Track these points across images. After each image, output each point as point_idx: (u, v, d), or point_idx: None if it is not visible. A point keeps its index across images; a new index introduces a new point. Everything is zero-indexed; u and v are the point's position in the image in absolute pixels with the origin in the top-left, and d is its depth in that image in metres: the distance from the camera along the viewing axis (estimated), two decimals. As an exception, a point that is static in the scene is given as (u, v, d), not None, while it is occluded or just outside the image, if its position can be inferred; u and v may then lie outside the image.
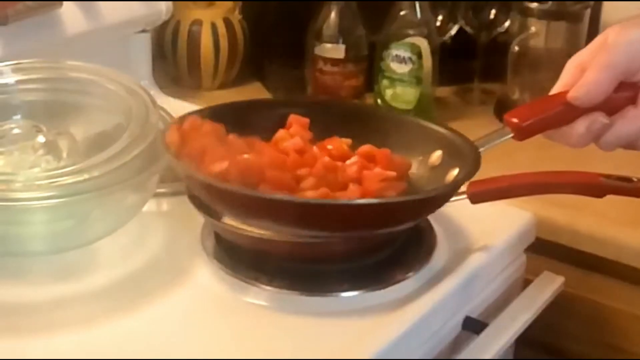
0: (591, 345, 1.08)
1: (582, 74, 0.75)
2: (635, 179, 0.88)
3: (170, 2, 1.21)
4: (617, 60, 0.73)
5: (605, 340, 1.08)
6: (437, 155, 0.85)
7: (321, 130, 0.90)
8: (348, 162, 0.86)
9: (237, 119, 0.88)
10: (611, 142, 0.76)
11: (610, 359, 1.08)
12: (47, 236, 0.88)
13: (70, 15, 1.08)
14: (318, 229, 0.79)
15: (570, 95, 0.75)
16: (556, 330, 1.08)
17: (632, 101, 0.75)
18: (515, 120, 0.78)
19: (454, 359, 0.89)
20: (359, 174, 0.84)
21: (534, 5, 1.26)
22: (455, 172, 0.82)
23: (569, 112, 0.76)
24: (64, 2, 1.05)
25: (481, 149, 0.82)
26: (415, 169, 0.87)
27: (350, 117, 0.93)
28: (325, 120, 0.91)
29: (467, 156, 0.82)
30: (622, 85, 0.75)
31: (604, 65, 0.73)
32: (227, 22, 1.35)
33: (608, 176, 0.88)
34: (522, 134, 0.78)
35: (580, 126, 0.75)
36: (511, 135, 0.79)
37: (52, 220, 0.88)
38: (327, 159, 0.85)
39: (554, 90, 0.78)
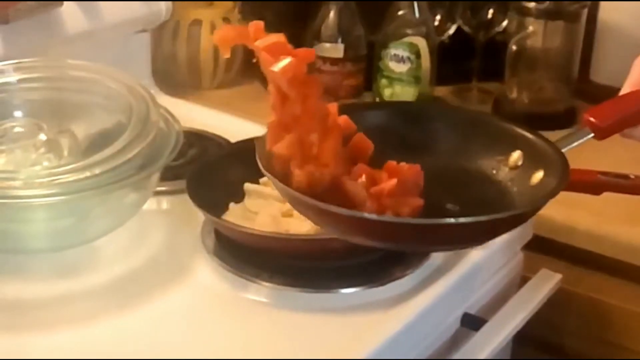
0: (589, 342, 1.09)
1: None
2: (632, 176, 0.89)
3: (170, 2, 1.22)
4: None
5: (603, 337, 1.08)
6: (517, 156, 0.82)
7: (391, 134, 0.85)
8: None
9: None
10: None
11: (608, 358, 1.09)
12: (48, 234, 0.88)
13: (71, 15, 1.08)
14: (429, 245, 0.79)
15: None
16: (554, 327, 1.09)
17: None
18: (594, 120, 0.78)
19: (452, 359, 0.89)
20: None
21: (532, 4, 1.26)
22: (540, 174, 0.79)
23: None
24: (64, 2, 1.05)
25: (563, 150, 0.80)
26: (495, 169, 0.83)
27: (420, 118, 0.88)
28: (396, 124, 0.86)
29: (551, 158, 0.79)
30: None
31: None
32: (227, 22, 1.35)
33: (605, 173, 0.89)
34: (602, 133, 0.79)
35: None
36: (592, 135, 0.79)
37: (53, 218, 0.88)
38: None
39: (624, 89, 0.80)
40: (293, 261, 0.88)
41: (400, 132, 0.84)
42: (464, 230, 0.72)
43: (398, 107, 0.97)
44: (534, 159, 0.80)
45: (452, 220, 0.71)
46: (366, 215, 0.72)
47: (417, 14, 1.25)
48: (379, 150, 0.80)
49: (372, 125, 0.83)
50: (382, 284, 0.87)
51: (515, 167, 0.82)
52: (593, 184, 0.89)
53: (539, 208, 0.77)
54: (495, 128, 0.86)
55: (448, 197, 0.79)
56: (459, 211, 0.77)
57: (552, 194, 0.76)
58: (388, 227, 0.72)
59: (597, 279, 1.07)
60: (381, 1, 1.27)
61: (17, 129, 0.90)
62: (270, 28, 1.41)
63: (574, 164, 0.89)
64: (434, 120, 0.86)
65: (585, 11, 1.28)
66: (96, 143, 0.92)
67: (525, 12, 1.27)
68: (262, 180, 0.98)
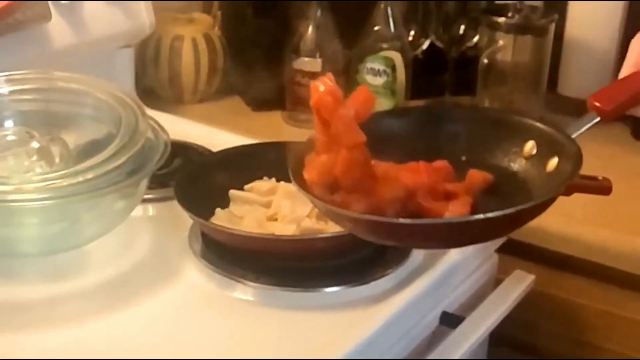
0: (562, 341, 1.13)
1: None
2: (600, 178, 0.94)
3: (153, 18, 1.25)
4: None
5: (576, 337, 1.12)
6: (530, 145, 0.85)
7: (399, 133, 0.88)
8: None
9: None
10: None
11: (581, 356, 1.13)
12: (40, 238, 0.91)
13: (58, 29, 1.11)
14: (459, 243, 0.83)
15: None
16: (528, 327, 1.13)
17: None
18: (599, 104, 0.81)
19: (431, 359, 0.93)
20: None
21: (502, 19, 1.31)
22: (555, 160, 0.83)
23: None
24: (53, 17, 1.08)
25: (573, 136, 0.83)
26: (511, 161, 0.86)
27: (428, 120, 0.91)
28: (402, 125, 0.89)
29: (563, 144, 0.82)
30: None
31: None
32: (207, 38, 1.39)
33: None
34: (608, 115, 0.82)
35: None
36: (598, 119, 0.82)
37: (45, 223, 0.91)
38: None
39: (623, 72, 0.83)
40: (278, 262, 0.91)
41: (419, 135, 0.88)
42: (492, 223, 0.74)
43: (415, 112, 1.02)
44: (547, 147, 0.83)
45: (480, 216, 0.74)
46: (401, 220, 0.75)
47: (392, 29, 1.29)
48: (405, 154, 0.84)
49: (393, 131, 0.87)
50: (364, 283, 0.90)
51: (530, 157, 0.85)
52: (564, 185, 0.93)
53: (559, 193, 0.79)
54: (507, 122, 0.89)
55: None
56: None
57: (571, 176, 0.79)
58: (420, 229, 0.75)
59: (568, 280, 1.11)
60: (357, 17, 1.32)
61: (9, 137, 0.93)
62: (248, 43, 1.46)
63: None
64: (451, 121, 0.89)
65: (553, 26, 1.34)
66: (86, 153, 0.94)
67: (496, 27, 1.32)
68: (246, 187, 1.01)
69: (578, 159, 0.80)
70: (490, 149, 0.86)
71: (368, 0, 1.30)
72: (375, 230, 0.78)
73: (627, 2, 1.35)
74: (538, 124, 0.86)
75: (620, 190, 0.97)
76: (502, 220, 0.74)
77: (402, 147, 0.85)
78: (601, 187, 0.93)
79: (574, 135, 0.82)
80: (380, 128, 0.84)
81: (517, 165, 0.86)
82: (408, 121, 0.90)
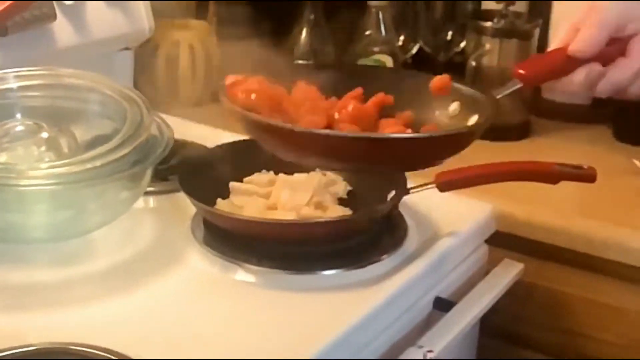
0: (550, 331, 1.16)
1: (577, 32, 0.87)
2: (585, 167, 0.98)
3: (152, 22, 1.29)
4: (609, 18, 0.86)
5: (564, 326, 1.16)
6: (454, 106, 0.91)
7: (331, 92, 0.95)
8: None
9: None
10: (605, 90, 0.88)
11: (569, 345, 1.16)
12: (48, 225, 0.94)
13: (63, 29, 1.15)
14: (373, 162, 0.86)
15: (571, 49, 0.87)
16: (516, 318, 1.17)
17: (622, 53, 0.87)
18: (522, 72, 0.88)
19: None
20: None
21: (488, 24, 1.37)
22: (475, 117, 0.89)
23: (569, 64, 0.87)
24: (58, 16, 1.12)
25: (498, 97, 0.90)
26: (436, 121, 0.92)
27: (360, 78, 0.97)
28: (334, 83, 0.95)
29: (484, 103, 0.89)
30: (612, 40, 0.87)
31: (597, 22, 0.86)
32: (204, 43, 1.43)
33: (561, 164, 0.98)
34: (529, 83, 0.89)
35: (580, 75, 0.87)
36: (520, 84, 0.89)
37: (53, 210, 0.94)
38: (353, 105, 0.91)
39: (551, 46, 0.90)
40: (279, 247, 0.95)
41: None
42: (410, 145, 0.82)
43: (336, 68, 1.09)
44: (469, 107, 0.90)
45: (398, 135, 0.83)
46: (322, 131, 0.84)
47: (383, 33, 1.34)
48: None
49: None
50: (360, 267, 0.94)
51: (454, 116, 0.92)
52: (550, 173, 0.98)
53: (470, 132, 0.87)
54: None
55: None
56: None
57: (485, 123, 0.86)
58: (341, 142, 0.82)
59: (555, 270, 1.15)
60: (350, 22, 1.37)
61: (18, 128, 0.96)
62: (245, 47, 1.50)
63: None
64: (370, 80, 0.96)
65: (538, 30, 1.39)
66: (93, 147, 0.96)
67: (482, 31, 1.37)
68: (246, 179, 1.05)
69: (493, 112, 0.87)
70: (418, 108, 0.93)
71: (360, 0, 1.34)
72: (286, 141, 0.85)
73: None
74: (462, 87, 0.94)
75: (604, 185, 1.03)
76: (418, 143, 0.83)
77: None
78: (586, 175, 0.99)
79: (498, 97, 0.89)
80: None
81: (441, 123, 0.93)
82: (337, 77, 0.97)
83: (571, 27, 0.88)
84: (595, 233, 1.11)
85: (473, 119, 0.89)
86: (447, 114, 0.92)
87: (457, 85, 0.94)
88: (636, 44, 0.86)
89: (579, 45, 0.86)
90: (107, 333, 0.82)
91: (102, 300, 0.89)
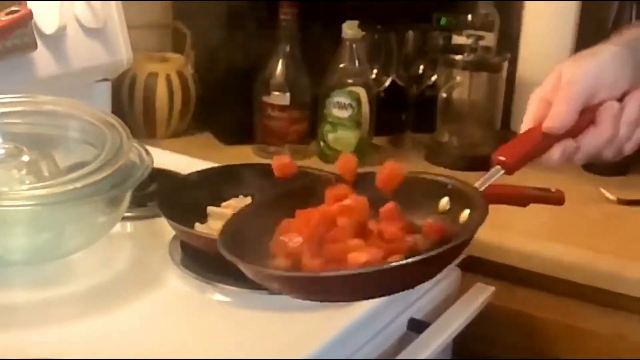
0: (521, 353, 1.18)
1: (548, 107, 0.88)
2: (553, 190, 1.01)
3: (131, 53, 1.32)
4: (579, 92, 0.87)
5: (534, 348, 1.18)
6: (445, 202, 0.88)
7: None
8: None
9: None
10: (582, 159, 0.90)
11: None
12: (27, 247, 0.95)
13: (43, 59, 1.17)
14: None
15: (546, 126, 0.87)
16: (488, 341, 1.18)
17: (592, 122, 0.88)
18: (503, 158, 0.87)
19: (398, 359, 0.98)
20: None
21: (458, 57, 1.41)
22: (467, 212, 0.86)
23: (545, 142, 0.88)
24: (39, 46, 1.15)
25: (481, 189, 0.87)
26: (428, 217, 0.87)
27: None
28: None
29: (473, 197, 0.86)
30: (582, 111, 0.87)
31: (569, 98, 0.87)
32: (181, 75, 1.46)
33: (530, 188, 1.01)
34: (511, 169, 0.87)
35: (556, 153, 0.88)
36: (503, 172, 0.87)
37: (32, 233, 0.95)
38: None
39: (525, 124, 0.90)
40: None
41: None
42: (411, 269, 0.77)
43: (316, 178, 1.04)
44: (459, 201, 0.87)
45: (397, 263, 0.76)
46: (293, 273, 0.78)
47: (357, 65, 1.38)
48: None
49: None
50: (336, 288, 0.95)
51: (444, 212, 0.88)
52: (520, 196, 1.01)
53: (471, 237, 0.83)
54: (420, 182, 0.92)
55: None
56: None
57: (479, 222, 0.82)
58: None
59: (527, 294, 1.17)
60: (324, 54, 1.40)
61: (-1, 152, 0.98)
62: (220, 81, 1.53)
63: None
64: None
65: (506, 64, 1.43)
66: (74, 171, 0.98)
67: (453, 64, 1.41)
68: (223, 204, 1.07)
69: (485, 208, 0.84)
70: (408, 208, 0.88)
71: (337, 26, 1.37)
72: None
73: (575, 44, 1.45)
74: (450, 182, 0.90)
75: (572, 211, 1.06)
76: (419, 265, 0.77)
77: None
78: (555, 198, 1.02)
79: (481, 188, 0.87)
80: None
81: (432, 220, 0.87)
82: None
83: (540, 101, 0.89)
84: (565, 257, 1.14)
85: (465, 214, 0.87)
86: (437, 210, 0.89)
87: (443, 179, 0.91)
88: (605, 112, 0.88)
89: (553, 122, 0.87)
90: (86, 353, 0.83)
91: (81, 320, 0.90)
